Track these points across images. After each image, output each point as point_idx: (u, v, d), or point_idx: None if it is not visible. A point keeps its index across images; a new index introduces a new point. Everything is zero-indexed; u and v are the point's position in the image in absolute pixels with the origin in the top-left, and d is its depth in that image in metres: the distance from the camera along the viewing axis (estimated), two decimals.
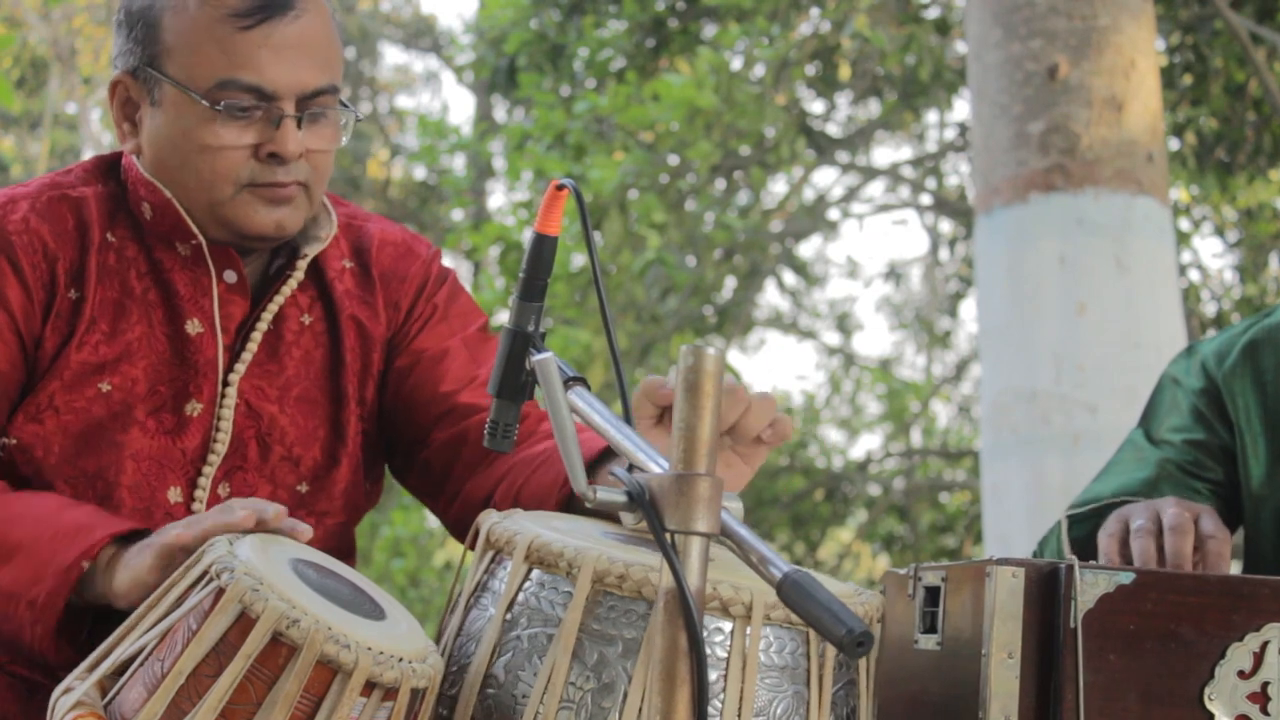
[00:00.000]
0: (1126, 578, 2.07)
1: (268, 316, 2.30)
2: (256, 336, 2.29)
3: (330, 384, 2.34)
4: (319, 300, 2.35)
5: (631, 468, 1.76)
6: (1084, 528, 2.58)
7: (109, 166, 2.33)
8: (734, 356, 12.55)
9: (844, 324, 15.02)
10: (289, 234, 2.26)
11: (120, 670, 1.82)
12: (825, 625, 1.57)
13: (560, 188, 1.91)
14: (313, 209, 2.28)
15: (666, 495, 1.63)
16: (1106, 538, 2.41)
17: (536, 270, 1.94)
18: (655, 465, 1.74)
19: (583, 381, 1.91)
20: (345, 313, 2.36)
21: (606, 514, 2.12)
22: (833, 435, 14.76)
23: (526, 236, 9.83)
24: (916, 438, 13.95)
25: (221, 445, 2.25)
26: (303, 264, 2.32)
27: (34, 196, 2.26)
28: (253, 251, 2.31)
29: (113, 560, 1.97)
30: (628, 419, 1.88)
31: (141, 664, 1.79)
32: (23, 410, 2.19)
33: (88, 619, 2.01)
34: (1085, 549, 2.53)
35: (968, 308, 13.61)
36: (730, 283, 11.01)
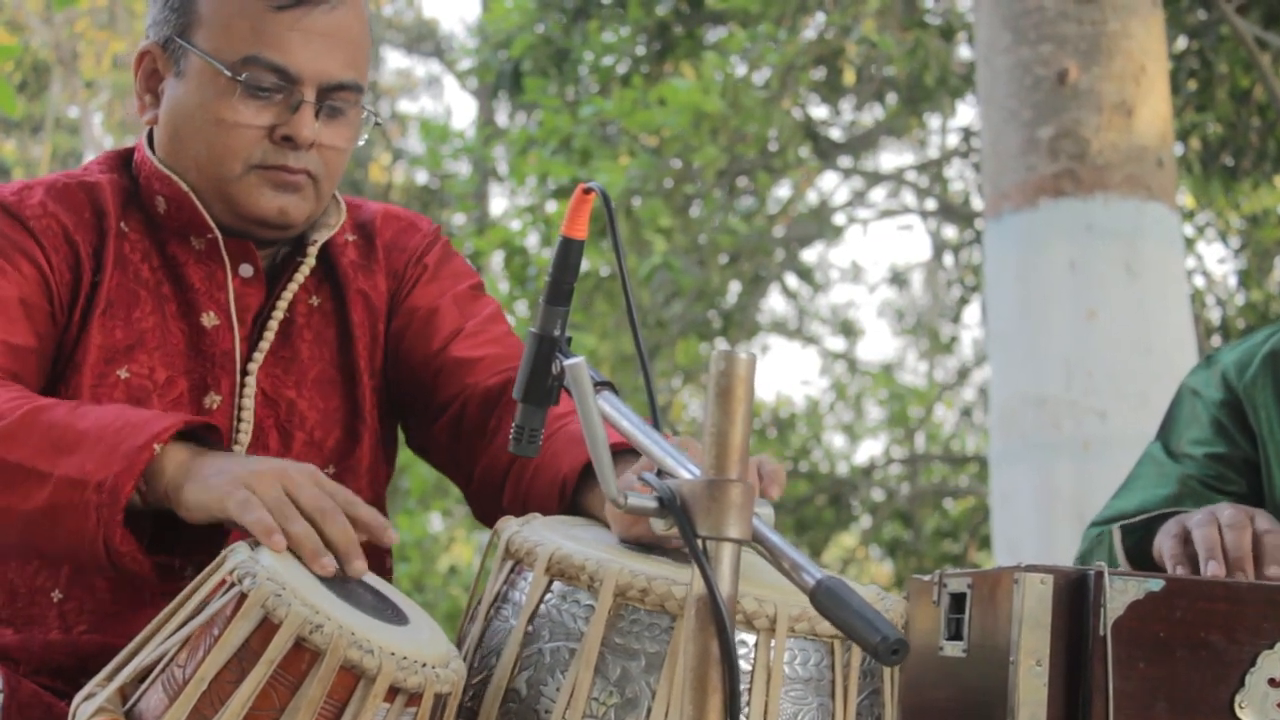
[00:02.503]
0: (1156, 585, 2.06)
1: (282, 305, 2.30)
2: (273, 325, 2.29)
3: (343, 360, 2.35)
4: (325, 280, 2.36)
5: (660, 473, 1.74)
6: (1132, 539, 2.56)
7: (122, 160, 2.34)
8: None
9: (848, 329, 15.00)
10: (292, 223, 2.26)
11: (141, 677, 1.81)
12: (860, 632, 1.56)
13: (587, 191, 1.89)
14: (320, 205, 2.29)
15: (698, 501, 1.62)
16: (1169, 538, 2.39)
17: (563, 274, 1.93)
18: (684, 471, 1.72)
19: (610, 386, 1.90)
20: (352, 286, 2.36)
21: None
22: (836, 441, 14.74)
23: (531, 242, 9.83)
24: (920, 443, 13.93)
25: (245, 435, 2.25)
26: (313, 250, 2.33)
27: (49, 184, 2.27)
28: (269, 244, 2.30)
29: (186, 466, 1.92)
30: (655, 424, 1.86)
31: (162, 670, 1.78)
32: None
33: (149, 523, 1.97)
34: (1135, 561, 2.51)
35: (971, 313, 13.60)
36: (735, 288, 11.00)
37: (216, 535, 2.00)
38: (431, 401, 2.36)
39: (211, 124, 2.21)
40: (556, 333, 1.93)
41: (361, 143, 2.33)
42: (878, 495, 12.63)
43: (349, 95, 2.25)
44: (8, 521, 1.94)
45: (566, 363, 1.71)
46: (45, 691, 2.13)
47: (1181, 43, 9.16)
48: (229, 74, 2.19)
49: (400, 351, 2.38)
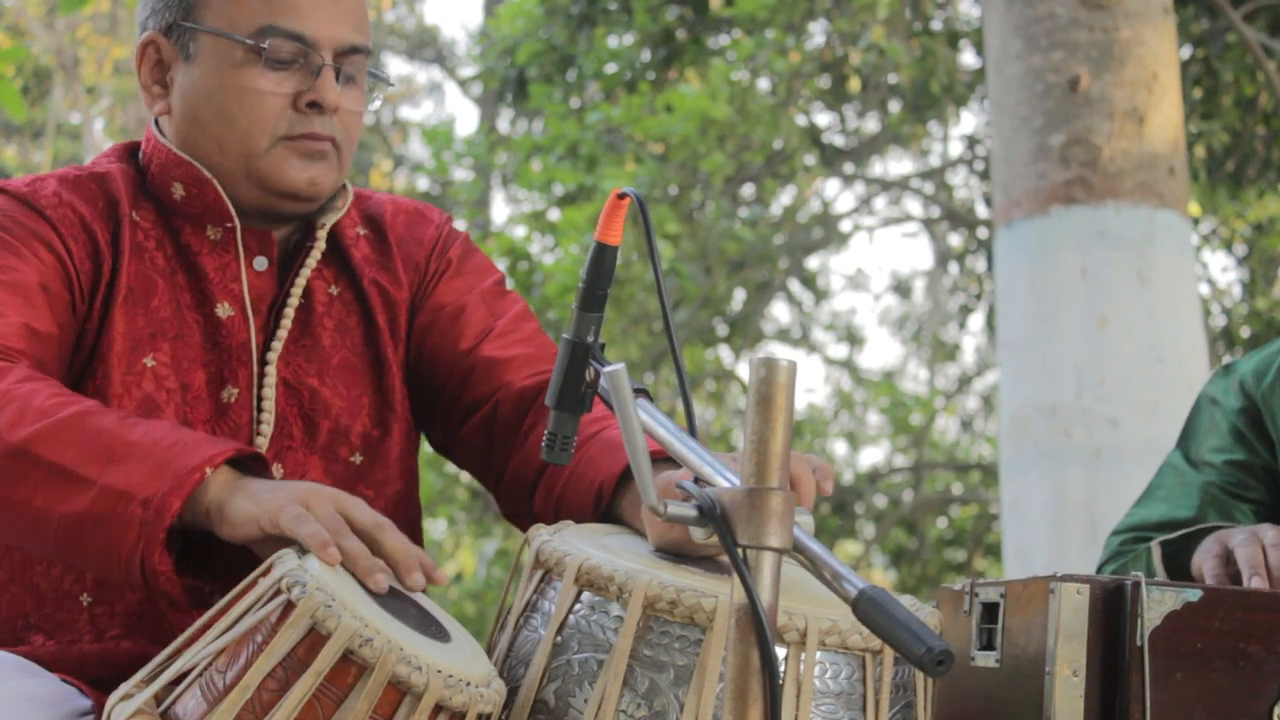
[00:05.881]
0: (1194, 595, 2.04)
1: (297, 293, 2.28)
2: (289, 313, 2.27)
3: (369, 350, 2.33)
4: (342, 273, 2.34)
5: (698, 480, 1.72)
6: (1166, 550, 2.55)
7: (129, 151, 2.32)
8: (743, 369, 12.56)
9: (852, 336, 15.00)
10: (320, 194, 2.25)
11: (176, 680, 1.79)
12: (904, 643, 1.54)
13: (622, 196, 1.87)
14: (342, 174, 2.28)
15: (738, 510, 1.59)
16: (1211, 557, 2.38)
17: (597, 279, 1.90)
18: (723, 479, 1.70)
19: (646, 394, 1.88)
20: (366, 278, 2.34)
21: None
22: (839, 448, 14.73)
23: (535, 248, 9.82)
24: (924, 451, 13.91)
25: (267, 427, 2.23)
26: (322, 234, 2.31)
27: (61, 176, 2.25)
28: (289, 219, 2.29)
29: (233, 485, 1.90)
30: (692, 431, 1.84)
31: (200, 674, 1.76)
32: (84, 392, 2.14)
33: (179, 544, 1.93)
34: (1175, 576, 2.49)
35: (974, 320, 13.59)
36: (740, 295, 10.98)
37: (247, 562, 1.96)
38: (460, 400, 2.34)
39: (235, 99, 2.20)
40: (590, 339, 1.91)
41: (375, 107, 2.33)
42: (880, 503, 12.60)
43: (360, 59, 2.26)
44: (44, 524, 1.91)
45: (606, 370, 1.68)
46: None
47: (1187, 51, 9.15)
48: (250, 43, 2.18)
49: (425, 348, 2.36)
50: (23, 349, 2.07)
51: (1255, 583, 2.26)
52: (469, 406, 2.33)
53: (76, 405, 1.96)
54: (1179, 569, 2.48)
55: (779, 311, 14.20)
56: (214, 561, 1.97)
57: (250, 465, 1.96)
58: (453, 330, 2.35)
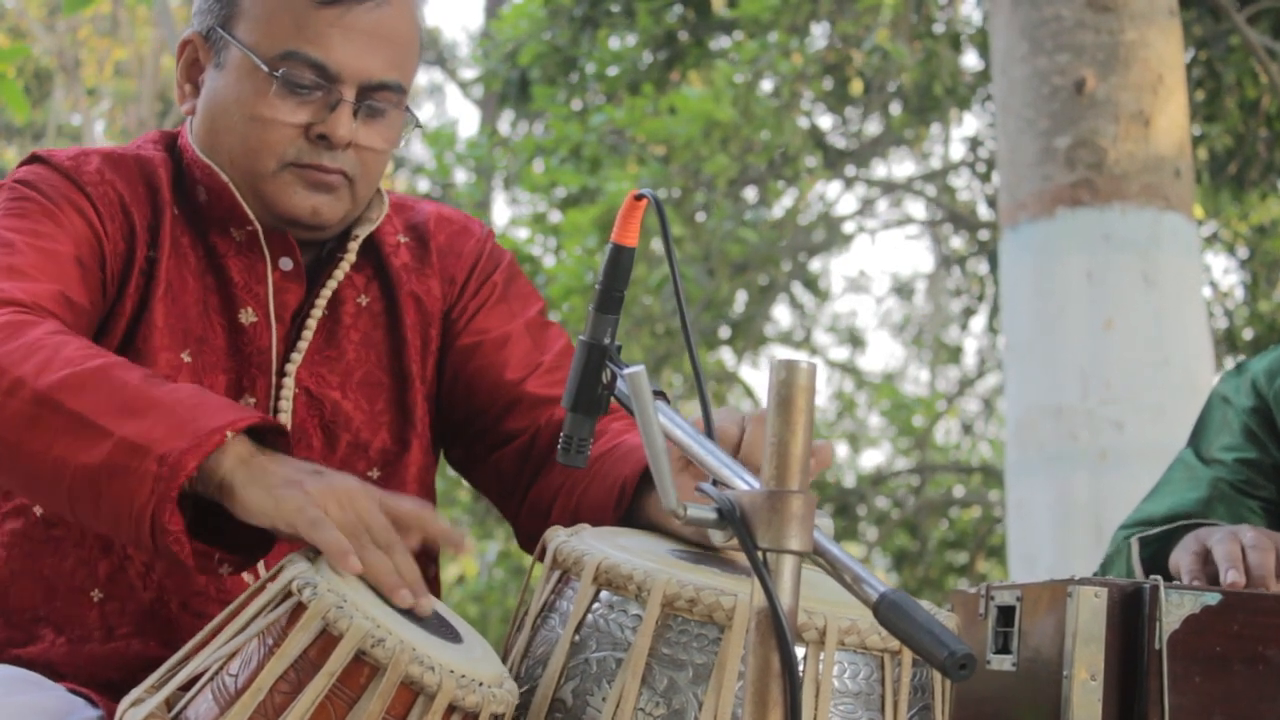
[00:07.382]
0: (1212, 599, 2.04)
1: (322, 303, 2.26)
2: (312, 324, 2.25)
3: (393, 364, 2.30)
4: (375, 279, 2.32)
5: (716, 483, 1.71)
6: (1149, 549, 2.55)
7: (169, 141, 2.31)
8: (746, 371, 12.59)
9: (854, 338, 14.99)
10: (325, 223, 2.22)
11: (187, 684, 1.79)
12: (925, 647, 1.53)
13: (639, 198, 1.87)
14: (356, 206, 2.25)
15: (758, 512, 1.59)
16: (1188, 555, 2.38)
17: (613, 281, 1.90)
18: (741, 481, 1.70)
19: (662, 395, 1.88)
20: (404, 288, 2.32)
21: (667, 528, 2.09)
22: (841, 450, 14.71)
23: (537, 250, 9.81)
24: (926, 453, 13.90)
25: None
26: (354, 245, 2.29)
27: (106, 153, 2.24)
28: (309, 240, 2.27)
29: (249, 463, 1.86)
30: (709, 433, 1.83)
31: (211, 678, 1.75)
32: None
33: (189, 509, 1.90)
34: (1153, 571, 2.50)
35: (976, 323, 13.59)
36: (742, 297, 10.98)
37: (262, 538, 1.94)
38: (498, 428, 2.32)
39: (247, 119, 2.18)
40: (607, 341, 1.90)
41: (402, 145, 2.29)
42: (882, 505, 12.60)
43: (390, 96, 2.21)
44: (59, 473, 1.87)
45: (626, 371, 1.68)
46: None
47: (1190, 53, 9.15)
48: (266, 69, 2.16)
49: (466, 372, 2.33)
50: (55, 313, 2.04)
51: (1231, 575, 2.25)
52: (506, 435, 2.32)
53: (103, 358, 1.92)
54: (1160, 567, 2.48)
55: (781, 314, 14.21)
56: (228, 532, 1.93)
57: (271, 440, 1.92)
58: (497, 358, 2.33)
